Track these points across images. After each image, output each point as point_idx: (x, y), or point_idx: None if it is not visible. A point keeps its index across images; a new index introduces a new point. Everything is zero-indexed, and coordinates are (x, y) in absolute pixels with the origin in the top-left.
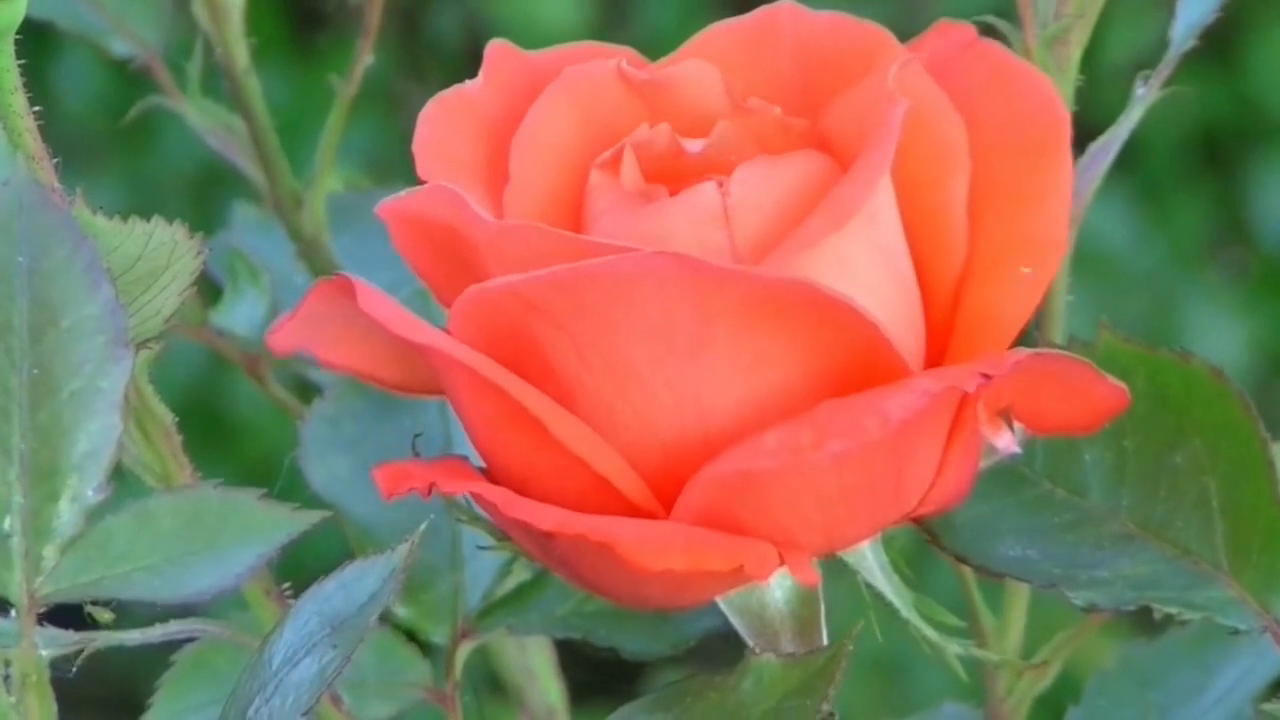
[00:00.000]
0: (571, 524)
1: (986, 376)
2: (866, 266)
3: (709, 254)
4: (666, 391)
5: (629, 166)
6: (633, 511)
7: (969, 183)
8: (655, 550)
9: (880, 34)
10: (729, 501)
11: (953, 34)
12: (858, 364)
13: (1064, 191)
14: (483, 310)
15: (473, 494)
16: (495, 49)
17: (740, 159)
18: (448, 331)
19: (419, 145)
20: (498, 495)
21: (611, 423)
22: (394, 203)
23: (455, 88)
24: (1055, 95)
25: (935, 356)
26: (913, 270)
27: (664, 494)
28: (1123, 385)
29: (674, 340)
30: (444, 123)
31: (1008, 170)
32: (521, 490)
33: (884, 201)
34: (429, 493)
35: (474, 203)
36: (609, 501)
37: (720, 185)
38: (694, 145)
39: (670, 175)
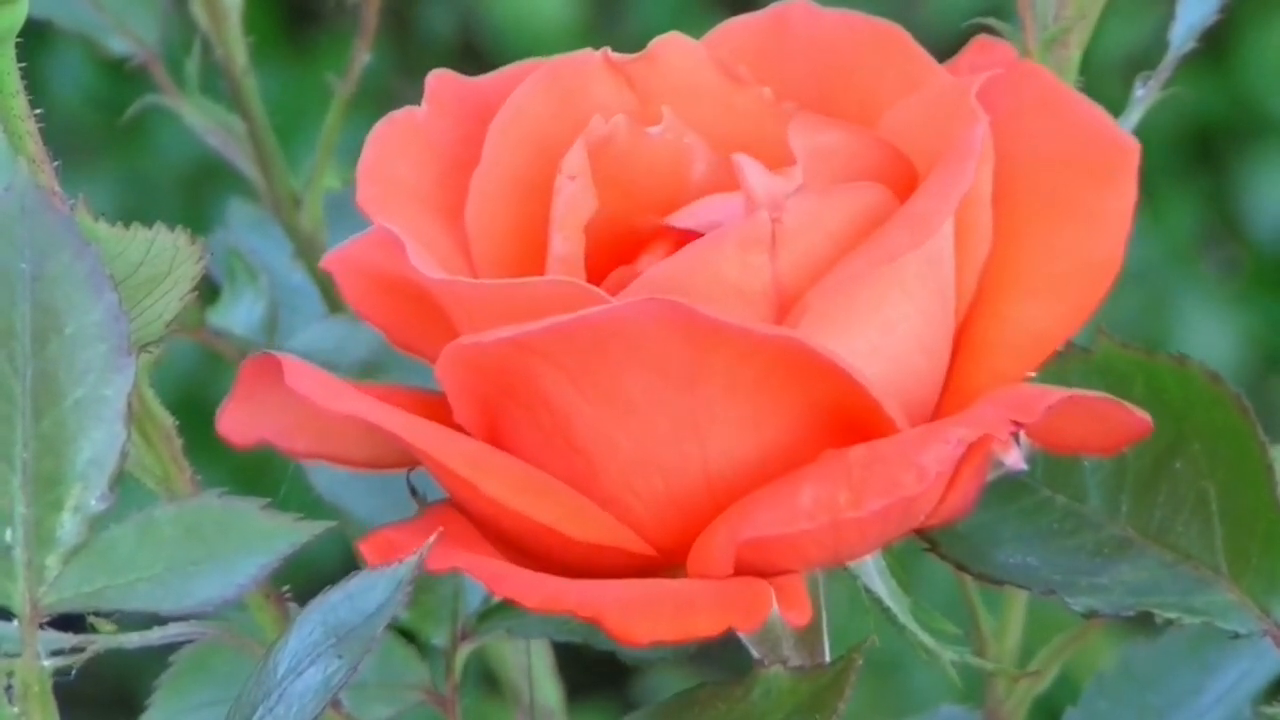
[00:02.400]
0: (558, 601)
1: (1018, 424)
2: (921, 282)
3: (749, 277)
4: (664, 420)
5: (575, 159)
6: (599, 549)
7: (1016, 198)
8: (643, 624)
9: (895, 32)
10: (756, 554)
11: (993, 52)
12: (852, 411)
13: (1128, 217)
14: (474, 355)
15: (461, 569)
16: (436, 78)
17: (710, 138)
18: (436, 375)
19: (362, 171)
20: (484, 572)
21: (612, 451)
22: (338, 254)
23: (403, 111)
24: (1114, 123)
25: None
26: (953, 274)
27: (668, 520)
28: (1147, 416)
29: (670, 374)
30: (389, 148)
31: (1067, 191)
32: (499, 530)
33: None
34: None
35: (416, 242)
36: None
37: (774, 214)
38: (654, 130)
39: (639, 163)
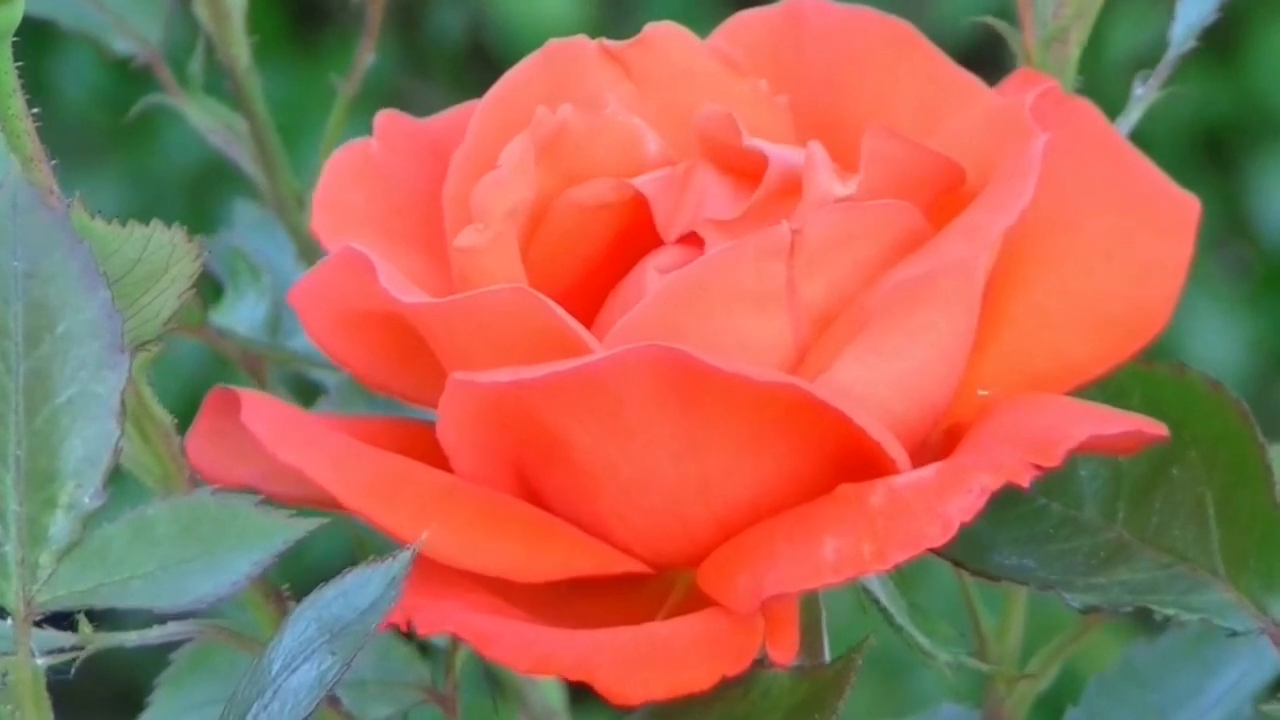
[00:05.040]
0: (549, 664)
1: (1039, 468)
2: (956, 292)
3: (764, 284)
4: (661, 445)
5: (513, 151)
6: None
7: (1065, 230)
8: (635, 684)
9: (906, 29)
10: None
11: (1037, 84)
12: (853, 445)
13: (1184, 271)
14: (473, 392)
15: (453, 633)
16: (384, 117)
17: (661, 127)
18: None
19: (318, 199)
20: (474, 636)
21: (611, 472)
22: (301, 287)
23: (358, 142)
24: (1167, 177)
25: None
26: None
27: (668, 534)
28: (1164, 429)
29: (667, 408)
30: (344, 178)
31: (1126, 237)
32: None
33: None
34: (407, 628)
35: (381, 262)
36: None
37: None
38: (609, 111)
39: (598, 147)
